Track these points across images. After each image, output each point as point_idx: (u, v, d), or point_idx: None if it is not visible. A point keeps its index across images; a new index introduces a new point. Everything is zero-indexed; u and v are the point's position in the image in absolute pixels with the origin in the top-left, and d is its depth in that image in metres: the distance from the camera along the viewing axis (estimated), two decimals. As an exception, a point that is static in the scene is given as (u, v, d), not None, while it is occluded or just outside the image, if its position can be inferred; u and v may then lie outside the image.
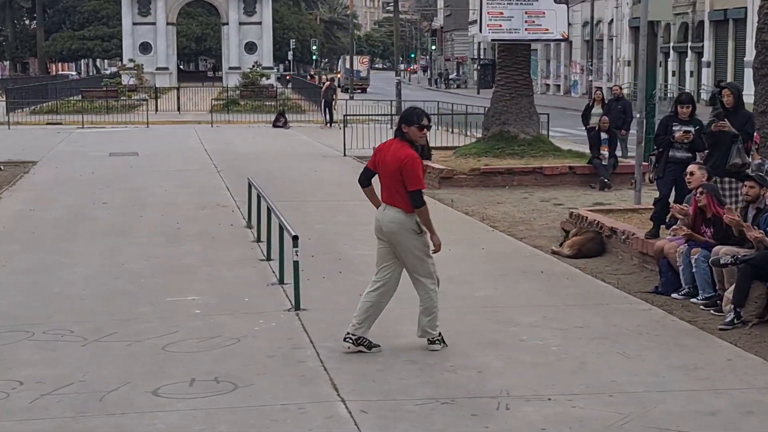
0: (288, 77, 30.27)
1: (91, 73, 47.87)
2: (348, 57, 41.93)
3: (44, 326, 6.07)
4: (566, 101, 36.34)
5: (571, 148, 15.55)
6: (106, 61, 48.15)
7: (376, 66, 75.49)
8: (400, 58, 32.86)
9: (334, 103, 24.93)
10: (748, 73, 13.61)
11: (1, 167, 14.66)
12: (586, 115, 14.33)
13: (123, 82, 35.15)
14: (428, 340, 5.20)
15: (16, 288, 7.22)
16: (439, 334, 5.23)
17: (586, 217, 9.31)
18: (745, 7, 27.60)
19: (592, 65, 41.62)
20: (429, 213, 5.22)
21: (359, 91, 41.71)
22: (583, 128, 14.40)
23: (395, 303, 5.62)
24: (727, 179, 7.05)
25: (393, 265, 5.17)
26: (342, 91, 36.45)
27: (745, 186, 6.37)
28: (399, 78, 28.85)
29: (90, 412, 4.37)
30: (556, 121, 19.96)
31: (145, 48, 37.82)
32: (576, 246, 8.38)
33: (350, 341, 5.02)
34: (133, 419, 4.26)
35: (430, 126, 5.03)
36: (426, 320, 5.13)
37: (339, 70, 46.40)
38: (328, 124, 24.11)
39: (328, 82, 26.67)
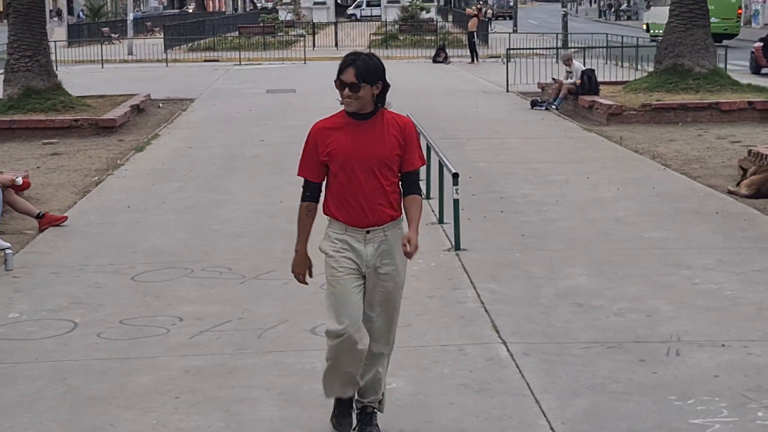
0: (474, 14, 27.26)
1: (247, 9, 47.56)
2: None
3: (203, 263, 6.21)
4: (746, 32, 33.29)
5: (750, 83, 14.92)
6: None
7: None
8: None
9: (478, 38, 24.52)
10: None
11: (160, 105, 15.24)
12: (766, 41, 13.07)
13: (280, 18, 35.44)
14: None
15: (176, 226, 7.39)
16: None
17: (767, 155, 8.93)
18: None
19: None
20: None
21: (504, 18, 44.08)
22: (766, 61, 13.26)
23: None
24: None
25: None
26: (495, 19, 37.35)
27: None
28: (565, 9, 28.72)
29: (248, 349, 4.51)
30: (735, 53, 19.90)
31: None
32: (755, 185, 8.21)
33: None
34: (291, 357, 4.39)
35: (351, 84, 3.24)
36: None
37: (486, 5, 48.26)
38: (475, 60, 23.77)
39: (476, 16, 25.22)
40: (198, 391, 3.97)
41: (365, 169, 3.29)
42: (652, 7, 32.69)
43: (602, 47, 19.49)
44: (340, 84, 3.29)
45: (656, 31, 26.31)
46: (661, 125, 12.69)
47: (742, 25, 32.68)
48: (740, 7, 30.41)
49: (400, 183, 3.40)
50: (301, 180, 3.40)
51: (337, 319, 3.30)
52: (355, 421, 3.57)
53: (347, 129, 3.33)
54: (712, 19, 18.01)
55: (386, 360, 3.55)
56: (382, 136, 3.33)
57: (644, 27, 31.99)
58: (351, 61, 3.30)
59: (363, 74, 3.25)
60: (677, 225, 7.30)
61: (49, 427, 3.63)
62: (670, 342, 4.56)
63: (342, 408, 3.52)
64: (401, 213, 3.41)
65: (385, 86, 3.35)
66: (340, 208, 3.32)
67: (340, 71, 3.30)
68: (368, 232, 3.33)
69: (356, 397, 3.55)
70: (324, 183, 3.40)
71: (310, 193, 3.39)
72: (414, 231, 3.33)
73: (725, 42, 23.57)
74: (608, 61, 18.88)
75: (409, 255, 3.33)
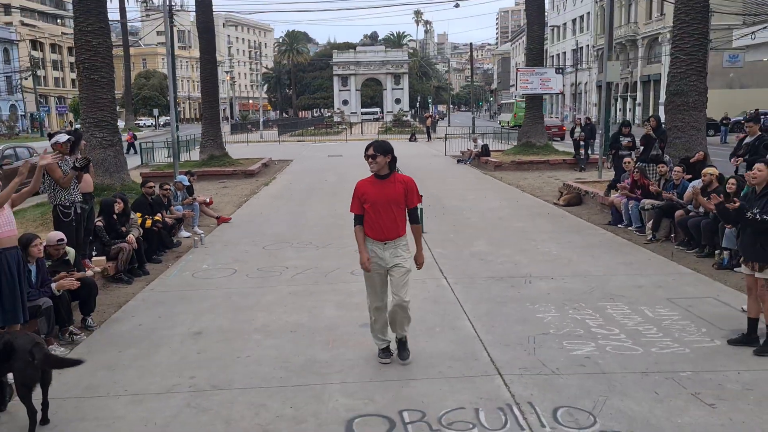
0: (429, 117, 49.03)
1: (316, 115, 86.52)
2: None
3: (297, 240, 10.85)
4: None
5: (565, 149, 25.07)
6: (324, 109, 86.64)
7: (462, 110, 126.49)
8: (474, 105, 58.90)
9: (431, 128, 43.30)
10: (662, 109, 22.06)
11: (276, 162, 25.72)
12: (572, 131, 22.46)
13: (334, 119, 61.46)
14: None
15: (283, 222, 12.65)
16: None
17: (572, 185, 15.12)
18: (660, 73, 47.25)
19: (575, 106, 67.06)
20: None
21: (443, 119, 68.51)
22: (570, 140, 23.80)
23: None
24: (651, 164, 11.36)
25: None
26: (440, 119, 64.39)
27: (659, 168, 10.56)
28: (473, 115, 49.81)
29: (320, 283, 8.11)
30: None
31: (345, 102, 69.38)
32: (566, 200, 13.84)
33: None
34: (341, 286, 7.88)
35: (371, 155, 5.22)
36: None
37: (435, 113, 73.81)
38: (429, 139, 40.36)
39: (429, 118, 47.46)
40: (295, 302, 7.35)
41: (385, 207, 5.18)
42: (501, 114, 62.85)
43: (491, 132, 34.75)
44: (366, 156, 5.21)
45: (504, 124, 48.20)
46: (521, 171, 20.78)
47: (559, 122, 50.39)
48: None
49: (407, 215, 5.31)
50: (348, 204, 5.48)
51: (371, 298, 5.41)
52: (394, 347, 5.54)
53: (374, 184, 5.27)
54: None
55: (407, 309, 5.40)
56: (393, 187, 5.24)
57: (499, 123, 52.96)
58: (372, 143, 5.32)
59: (378, 149, 5.20)
60: (530, 220, 11.96)
61: (222, 321, 6.83)
62: (526, 277, 8.08)
63: (383, 349, 5.49)
64: (405, 232, 5.31)
65: (394, 157, 5.32)
66: (370, 228, 5.26)
67: (366, 149, 5.27)
68: (385, 243, 5.28)
69: (395, 336, 5.51)
70: (363, 215, 5.28)
71: (357, 221, 5.31)
72: (419, 250, 5.47)
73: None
74: (494, 140, 31.82)
75: (419, 267, 5.47)
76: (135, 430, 4.49)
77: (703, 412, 4.52)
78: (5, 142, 20.57)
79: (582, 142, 21.21)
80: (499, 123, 52.13)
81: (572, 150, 22.23)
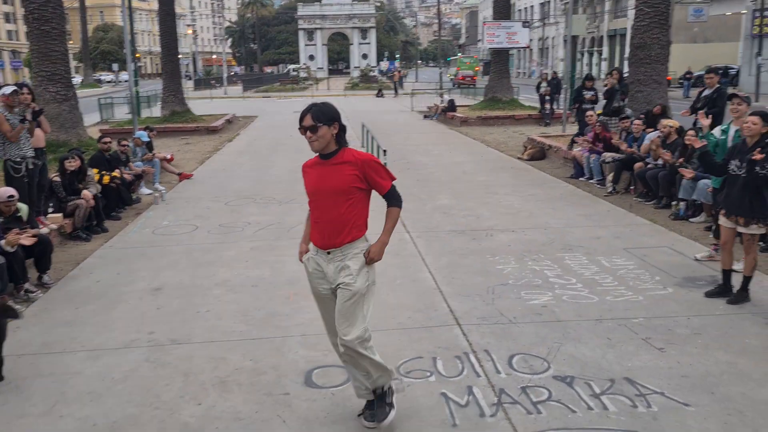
0: (396, 72, 49.07)
1: (282, 71, 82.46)
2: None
3: (260, 196, 10.78)
4: (528, 81, 55.82)
5: (530, 104, 24.99)
6: (290, 65, 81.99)
7: (430, 65, 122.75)
8: (442, 60, 57.60)
9: (399, 84, 44.06)
10: (626, 63, 21.53)
11: (240, 118, 25.31)
12: (538, 86, 22.04)
13: (300, 75, 61.19)
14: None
15: (246, 178, 12.54)
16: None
17: (536, 139, 15.06)
18: (626, 27, 42.72)
19: (542, 61, 68.79)
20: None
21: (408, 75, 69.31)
22: (536, 95, 22.86)
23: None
24: (613, 117, 11.49)
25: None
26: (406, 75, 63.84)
27: (621, 120, 10.62)
28: (440, 71, 46.79)
29: (282, 238, 8.09)
30: (522, 91, 30.64)
31: (311, 57, 72.61)
32: (530, 154, 13.62)
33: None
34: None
35: (309, 127, 3.54)
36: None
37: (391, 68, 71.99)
38: (396, 95, 40.18)
39: (397, 73, 48.06)
40: (257, 258, 7.33)
41: (326, 201, 3.56)
42: (449, 69, 61.16)
43: (458, 88, 36.86)
44: (303, 130, 3.50)
45: (451, 76, 51.76)
46: (486, 126, 20.93)
47: (526, 77, 59.03)
48: (477, 65, 56.03)
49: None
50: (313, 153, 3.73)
51: (327, 331, 3.80)
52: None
53: (316, 167, 3.62)
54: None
55: (361, 355, 3.59)
56: (339, 172, 3.51)
57: (448, 76, 53.99)
58: (308, 109, 3.53)
59: (319, 117, 3.48)
60: (493, 174, 11.95)
61: (182, 276, 6.77)
62: (487, 230, 8.22)
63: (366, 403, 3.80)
64: (361, 235, 3.64)
65: (342, 126, 3.53)
66: (313, 230, 3.76)
67: (301, 119, 3.48)
68: (329, 252, 3.64)
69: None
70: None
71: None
72: (380, 239, 3.68)
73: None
74: (461, 95, 33.17)
75: (367, 261, 3.62)
76: (92, 384, 4.46)
77: (653, 356, 4.67)
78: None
79: (547, 97, 21.33)
80: (448, 76, 54.13)
81: (538, 104, 22.23)
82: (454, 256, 7.16)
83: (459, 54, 66.48)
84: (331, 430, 3.84)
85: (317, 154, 3.62)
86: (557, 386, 4.24)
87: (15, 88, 7.52)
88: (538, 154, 13.94)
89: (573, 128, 15.99)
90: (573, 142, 12.93)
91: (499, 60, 26.00)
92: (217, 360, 4.79)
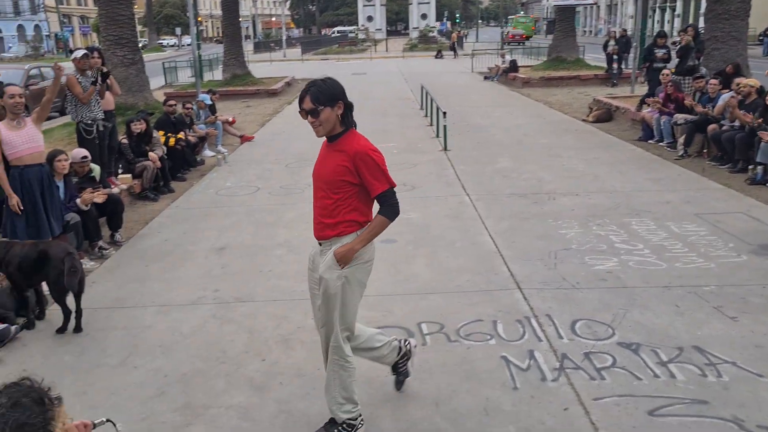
0: (454, 33, 48.69)
1: (341, 33, 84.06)
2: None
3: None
4: (594, 39, 52.28)
5: (597, 65, 23.72)
6: (349, 26, 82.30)
7: (491, 25, 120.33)
8: (504, 20, 57.66)
9: (457, 44, 43.65)
10: (701, 19, 21.28)
11: (299, 81, 24.64)
12: (605, 45, 21.08)
13: (359, 37, 61.37)
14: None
15: (306, 140, 11.24)
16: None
17: (602, 101, 14.46)
18: None
19: (610, 18, 65.64)
20: None
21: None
22: (603, 54, 21.99)
23: None
24: (686, 77, 10.85)
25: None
26: (466, 36, 62.20)
27: (695, 80, 10.02)
28: (501, 30, 45.82)
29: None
30: (589, 50, 28.65)
31: (369, 18, 70.84)
32: (595, 116, 13.08)
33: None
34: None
35: (310, 110, 3.11)
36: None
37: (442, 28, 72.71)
38: (456, 56, 40.21)
39: (455, 33, 47.84)
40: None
41: (316, 188, 3.19)
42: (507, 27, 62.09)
43: (520, 48, 35.35)
44: (303, 114, 3.07)
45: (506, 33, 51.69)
46: (550, 87, 20.22)
47: (593, 35, 54.24)
48: (533, 25, 58.25)
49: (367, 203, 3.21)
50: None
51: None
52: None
53: (322, 150, 3.23)
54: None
55: (335, 361, 3.27)
56: (332, 159, 3.10)
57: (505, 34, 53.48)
58: (306, 89, 3.06)
59: (319, 98, 3.03)
60: (556, 136, 11.62)
61: (245, 236, 6.92)
62: (549, 193, 8.02)
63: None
64: (348, 232, 3.18)
65: (347, 105, 3.10)
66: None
67: (300, 102, 3.06)
68: (321, 243, 3.29)
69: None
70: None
71: None
72: (355, 241, 3.15)
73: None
74: (523, 55, 31.93)
75: (336, 257, 3.14)
76: (162, 338, 4.64)
77: (724, 325, 4.50)
78: (31, 62, 20.68)
79: (615, 56, 20.43)
80: (505, 34, 54.40)
81: (605, 64, 21.40)
82: (514, 220, 7.04)
83: (521, 12, 64.56)
84: (391, 388, 3.87)
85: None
86: (622, 353, 4.14)
87: (86, 51, 7.73)
88: (605, 115, 13.42)
89: (642, 89, 15.28)
90: (642, 102, 12.39)
91: (565, 18, 25.04)
92: (279, 318, 4.89)
